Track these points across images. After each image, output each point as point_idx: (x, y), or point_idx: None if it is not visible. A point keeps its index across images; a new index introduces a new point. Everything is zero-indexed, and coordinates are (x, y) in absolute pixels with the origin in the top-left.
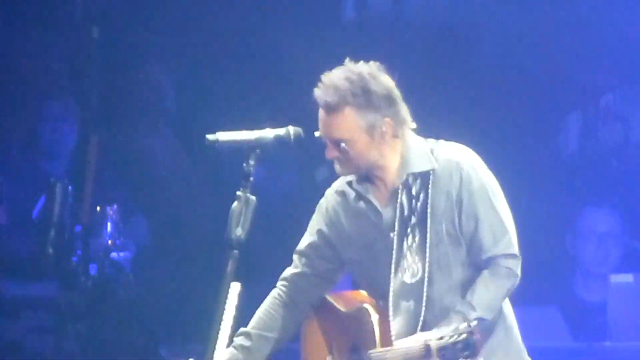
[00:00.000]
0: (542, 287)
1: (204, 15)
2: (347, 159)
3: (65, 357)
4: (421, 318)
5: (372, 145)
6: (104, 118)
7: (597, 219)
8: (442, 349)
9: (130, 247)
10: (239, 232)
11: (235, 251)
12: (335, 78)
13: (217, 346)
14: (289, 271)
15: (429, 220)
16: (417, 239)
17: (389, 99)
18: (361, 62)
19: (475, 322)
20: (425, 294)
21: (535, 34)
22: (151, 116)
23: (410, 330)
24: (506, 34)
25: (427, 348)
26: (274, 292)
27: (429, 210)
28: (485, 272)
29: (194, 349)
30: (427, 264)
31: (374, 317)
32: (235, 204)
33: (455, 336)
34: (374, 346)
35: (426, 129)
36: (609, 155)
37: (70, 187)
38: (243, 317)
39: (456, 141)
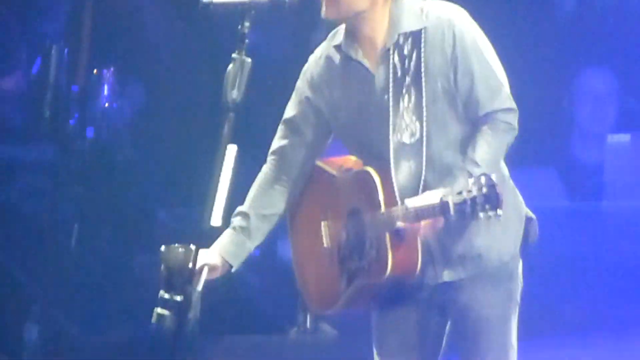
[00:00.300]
0: (540, 148)
1: None
2: None
3: (62, 220)
4: (422, 178)
5: None
6: None
7: (594, 79)
8: (460, 204)
9: (127, 110)
10: (234, 94)
11: (232, 113)
12: None
13: (214, 209)
14: (276, 143)
15: (423, 79)
16: (412, 98)
17: None
18: None
19: (477, 173)
20: (424, 154)
21: None
22: None
23: (412, 192)
24: None
25: (444, 204)
26: (265, 168)
27: (422, 69)
28: (485, 128)
29: (191, 213)
30: (424, 123)
31: (377, 179)
32: (230, 66)
33: (475, 190)
34: (378, 208)
35: None
36: (607, 14)
37: (66, 50)
38: (239, 179)
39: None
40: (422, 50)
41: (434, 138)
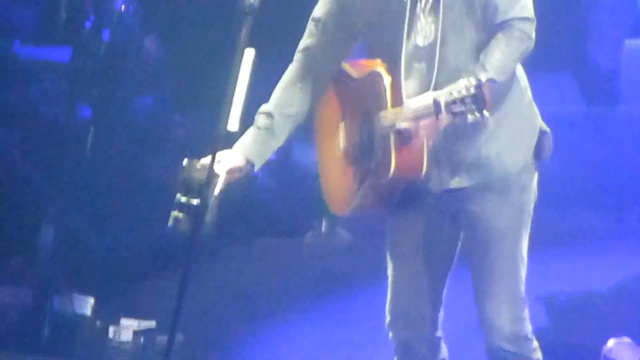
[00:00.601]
0: (557, 53)
1: None
2: None
3: (77, 123)
4: (433, 79)
5: None
6: None
7: None
8: (451, 104)
9: (143, 12)
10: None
11: (250, 17)
12: None
13: (231, 113)
14: (303, 42)
15: None
16: (430, 0)
17: None
18: None
19: (483, 78)
20: (437, 56)
21: None
22: None
23: (422, 92)
24: None
25: (436, 103)
26: (291, 67)
27: None
28: (500, 35)
29: (209, 116)
30: (440, 26)
31: (386, 80)
32: None
33: (464, 90)
34: (386, 108)
35: None
36: None
37: None
38: (256, 84)
39: None
40: None
41: (450, 42)
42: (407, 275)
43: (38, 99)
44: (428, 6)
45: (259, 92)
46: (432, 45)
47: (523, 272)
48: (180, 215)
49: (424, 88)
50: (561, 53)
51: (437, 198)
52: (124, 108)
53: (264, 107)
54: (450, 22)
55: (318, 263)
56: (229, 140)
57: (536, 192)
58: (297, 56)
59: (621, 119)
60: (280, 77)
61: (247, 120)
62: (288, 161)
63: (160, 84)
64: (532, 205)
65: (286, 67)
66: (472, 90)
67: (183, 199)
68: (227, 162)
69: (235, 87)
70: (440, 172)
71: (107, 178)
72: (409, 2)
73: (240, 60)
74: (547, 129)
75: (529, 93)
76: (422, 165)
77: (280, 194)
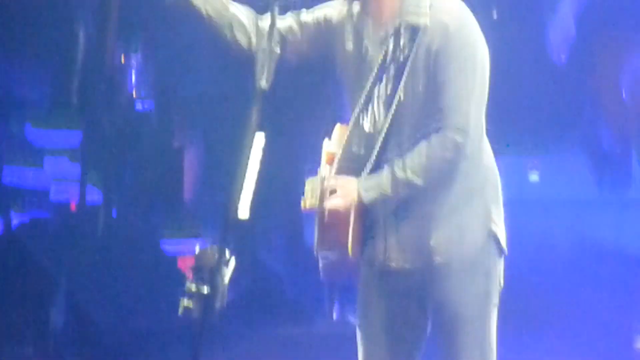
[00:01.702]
0: (569, 137)
1: None
2: None
3: (89, 208)
4: (367, 168)
5: None
6: None
7: None
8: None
9: (154, 97)
10: (263, 83)
11: (260, 101)
12: None
13: (241, 197)
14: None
15: (404, 77)
16: (388, 90)
17: None
18: None
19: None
20: (378, 147)
21: None
22: None
23: (353, 175)
24: None
25: (358, 195)
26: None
27: (407, 67)
28: (433, 139)
29: (218, 199)
30: (389, 119)
31: (324, 155)
32: (259, 54)
33: (386, 188)
34: (321, 182)
35: None
36: None
37: (94, 37)
38: (267, 167)
39: None
40: (414, 48)
41: (393, 134)
42: (376, 353)
43: (49, 182)
44: (385, 95)
45: (269, 179)
46: (376, 134)
47: None
48: (191, 304)
49: (356, 172)
50: (575, 138)
51: (397, 279)
52: (133, 192)
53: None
54: (400, 116)
55: (329, 350)
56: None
57: (502, 281)
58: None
59: (633, 206)
60: (290, 164)
61: (256, 207)
62: (297, 246)
63: (169, 166)
64: (497, 293)
65: (295, 151)
66: (389, 193)
67: (193, 288)
68: None
69: (245, 172)
70: (386, 251)
71: (117, 262)
72: (369, 84)
73: (251, 145)
74: (496, 233)
75: (491, 192)
76: (347, 242)
77: (289, 280)
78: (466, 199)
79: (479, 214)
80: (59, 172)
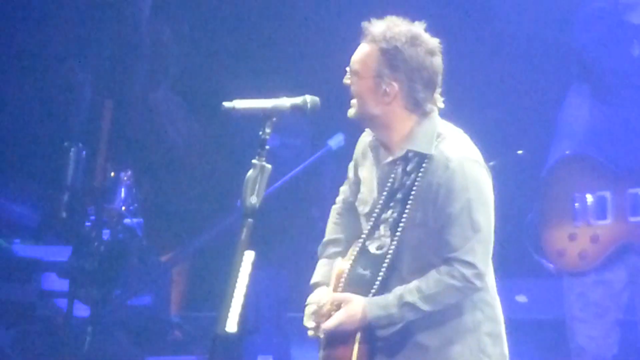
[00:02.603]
0: None
1: None
2: (353, 93)
3: (77, 322)
4: (373, 290)
5: (374, 95)
6: (116, 81)
7: None
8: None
9: (143, 212)
10: (253, 200)
11: (250, 219)
12: (391, 21)
13: (229, 315)
14: (341, 191)
15: (410, 202)
16: (394, 215)
17: (413, 71)
18: (424, 33)
19: (409, 300)
20: (384, 269)
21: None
22: (162, 79)
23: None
24: (536, 3)
25: (362, 319)
26: (334, 207)
27: (413, 193)
28: (442, 268)
29: (207, 317)
30: (394, 242)
31: (334, 275)
32: (250, 172)
33: (392, 310)
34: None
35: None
36: None
37: (84, 152)
38: (254, 284)
39: (469, 107)
40: (420, 175)
41: (404, 259)
42: None
43: (37, 297)
44: (391, 220)
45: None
46: (382, 257)
47: None
48: None
49: (364, 292)
50: None
51: None
52: (122, 306)
53: (330, 237)
54: (407, 241)
55: None
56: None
57: None
58: (338, 199)
59: (620, 327)
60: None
61: (245, 322)
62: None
63: (158, 285)
64: None
65: (287, 267)
66: (395, 314)
67: None
68: (326, 300)
69: (234, 289)
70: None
71: None
72: (378, 208)
73: (240, 262)
74: None
75: (485, 328)
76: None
77: None
78: (459, 334)
79: (472, 348)
80: (47, 287)
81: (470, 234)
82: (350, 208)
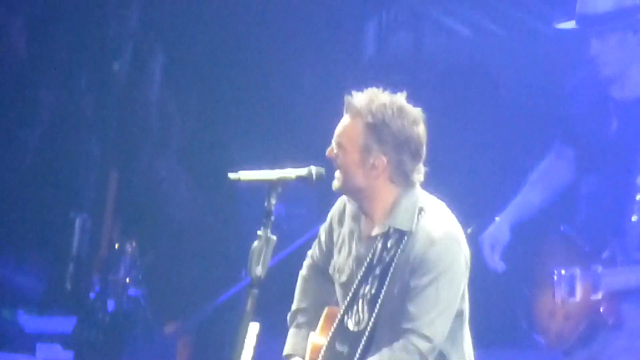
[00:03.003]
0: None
1: (222, 48)
2: (338, 166)
3: None
4: None
5: (360, 169)
6: (123, 152)
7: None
8: None
9: (147, 283)
10: (259, 271)
11: (255, 290)
12: (372, 93)
13: None
14: (309, 256)
15: (388, 278)
16: (373, 291)
17: (401, 144)
18: (406, 105)
19: None
20: (362, 345)
21: (556, 73)
22: (166, 149)
23: None
24: (527, 73)
25: None
26: (302, 271)
27: (392, 269)
28: (396, 344)
29: None
30: (373, 318)
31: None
32: (255, 243)
33: None
34: None
35: (445, 166)
36: None
37: (89, 223)
38: (261, 356)
39: (473, 179)
40: (399, 251)
41: (380, 334)
42: None
43: None
44: (369, 295)
45: None
46: (361, 333)
47: None
48: None
49: None
50: None
51: None
52: None
53: (296, 306)
54: (383, 316)
55: None
56: None
57: None
58: (306, 262)
59: None
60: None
61: None
62: None
63: (163, 355)
64: None
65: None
66: None
67: None
68: None
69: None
70: None
71: None
72: (356, 283)
73: (245, 333)
74: None
75: None
76: None
77: None
78: None
79: None
80: (52, 358)
81: (431, 308)
82: (317, 272)
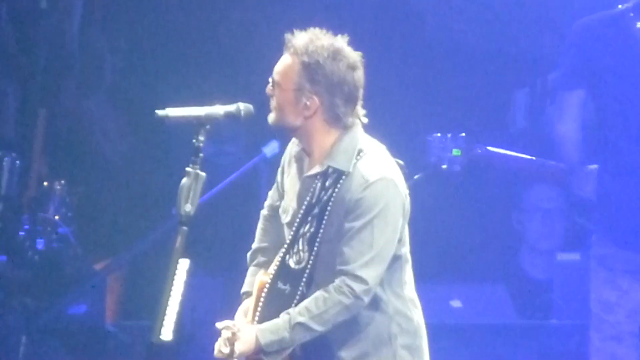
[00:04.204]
0: (489, 265)
1: None
2: (274, 102)
3: (11, 332)
4: (293, 304)
5: (293, 107)
6: (48, 91)
7: (542, 195)
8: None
9: (77, 220)
10: (188, 208)
11: (185, 227)
12: (313, 33)
13: (165, 323)
14: (269, 196)
15: (325, 218)
16: (312, 230)
17: (333, 86)
18: (345, 48)
19: (298, 320)
20: (303, 283)
21: (484, 9)
22: (96, 88)
23: (279, 312)
24: (455, 9)
25: (257, 344)
26: (263, 210)
27: (329, 208)
28: (331, 286)
29: (142, 325)
30: (312, 257)
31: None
32: (184, 180)
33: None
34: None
35: (375, 106)
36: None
37: (17, 161)
38: (191, 292)
39: (403, 118)
40: (336, 191)
41: (320, 272)
42: None
43: None
44: (308, 234)
45: (193, 302)
46: (301, 271)
47: None
48: None
49: (284, 308)
50: (494, 266)
51: None
52: (58, 315)
53: (256, 245)
54: (323, 255)
55: None
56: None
57: None
58: (266, 204)
59: (552, 332)
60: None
61: (181, 330)
62: None
63: (94, 294)
64: None
65: (221, 275)
66: (287, 337)
67: None
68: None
69: (169, 296)
70: None
71: None
72: (296, 223)
73: (175, 270)
74: None
75: (401, 341)
76: None
77: None
78: (375, 347)
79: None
80: None
81: (366, 250)
82: (276, 214)
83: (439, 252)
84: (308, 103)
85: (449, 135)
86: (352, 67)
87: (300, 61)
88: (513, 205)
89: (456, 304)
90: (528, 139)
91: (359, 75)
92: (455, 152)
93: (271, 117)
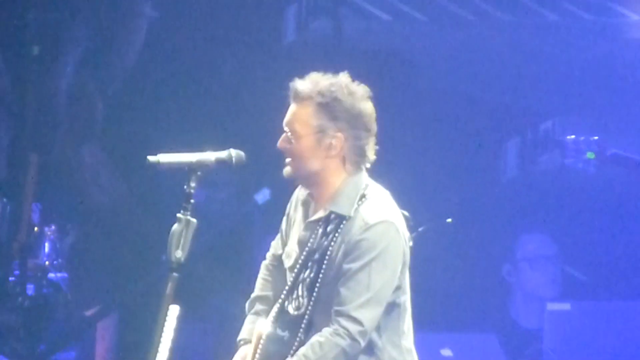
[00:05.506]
0: (480, 315)
1: (146, 35)
2: (291, 154)
3: None
4: (292, 351)
5: (316, 151)
6: (41, 136)
7: (533, 244)
8: None
9: (68, 267)
10: (178, 254)
11: (175, 273)
12: (315, 76)
13: None
14: (272, 246)
15: (325, 262)
16: (312, 275)
17: (354, 118)
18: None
19: None
20: (302, 330)
21: (476, 60)
22: (87, 134)
23: (278, 358)
24: (447, 59)
25: None
26: (264, 262)
27: (329, 252)
28: (326, 329)
29: None
30: (311, 303)
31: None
32: (175, 226)
33: None
34: None
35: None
36: (547, 181)
37: (8, 206)
38: (181, 339)
39: (396, 165)
40: (337, 235)
41: (319, 319)
42: None
43: None
44: (308, 280)
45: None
46: (300, 317)
47: None
48: None
49: (282, 355)
50: (485, 315)
51: None
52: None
53: (257, 294)
54: (322, 300)
55: None
56: None
57: None
58: (269, 254)
59: None
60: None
61: None
62: None
63: (83, 340)
64: None
65: (214, 322)
66: None
67: None
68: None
69: (160, 343)
70: None
71: None
72: (297, 268)
73: (165, 316)
74: None
75: None
76: None
77: None
78: None
79: None
80: None
81: (363, 291)
82: (279, 263)
83: (430, 301)
84: (333, 142)
85: (582, 138)
86: (364, 99)
87: (315, 103)
88: (504, 257)
89: (447, 353)
90: (517, 188)
91: (371, 106)
92: (590, 154)
93: (288, 170)
